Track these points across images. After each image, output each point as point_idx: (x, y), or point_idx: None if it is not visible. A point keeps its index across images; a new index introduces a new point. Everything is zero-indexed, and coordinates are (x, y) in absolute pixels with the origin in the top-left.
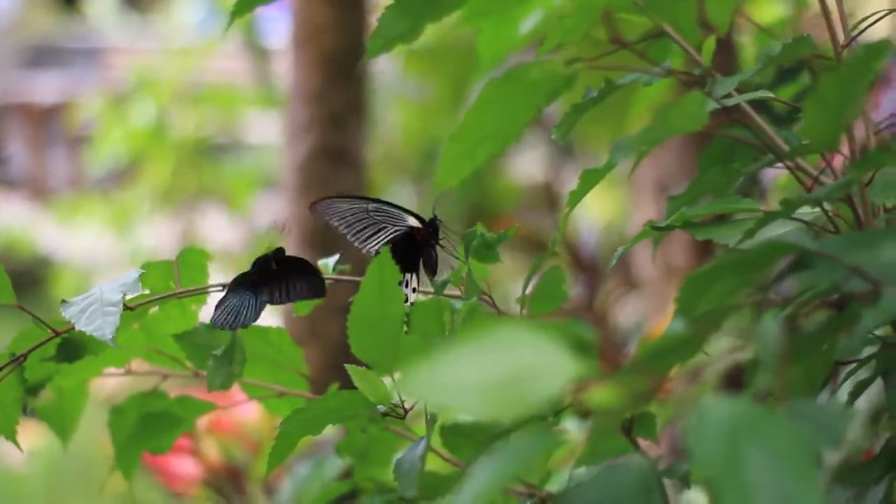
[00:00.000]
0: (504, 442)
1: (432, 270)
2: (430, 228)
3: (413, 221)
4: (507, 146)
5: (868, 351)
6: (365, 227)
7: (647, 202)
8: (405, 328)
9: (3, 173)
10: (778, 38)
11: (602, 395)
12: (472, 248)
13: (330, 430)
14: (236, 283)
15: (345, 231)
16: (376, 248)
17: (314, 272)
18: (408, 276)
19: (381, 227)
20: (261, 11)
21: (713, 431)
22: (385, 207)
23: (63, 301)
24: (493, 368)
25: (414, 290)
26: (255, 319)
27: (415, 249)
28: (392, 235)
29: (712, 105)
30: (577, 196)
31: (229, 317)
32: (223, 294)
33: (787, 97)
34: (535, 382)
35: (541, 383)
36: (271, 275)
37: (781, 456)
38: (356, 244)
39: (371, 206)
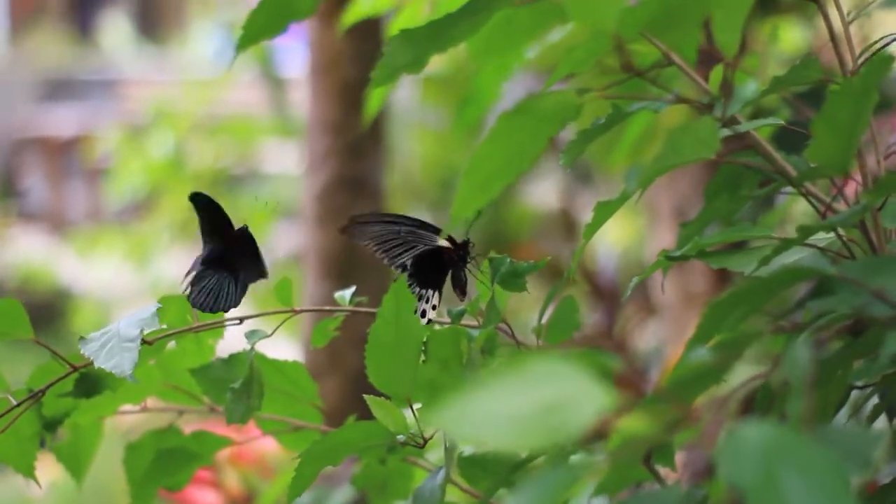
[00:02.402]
0: (528, 475)
1: (462, 291)
2: (461, 250)
3: (443, 242)
4: (519, 177)
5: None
6: (395, 246)
7: (664, 228)
8: (422, 357)
9: (21, 206)
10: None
11: (632, 425)
12: (500, 275)
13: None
14: (210, 261)
15: (376, 249)
16: (404, 261)
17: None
18: (429, 292)
19: (411, 245)
20: (276, 42)
21: (746, 457)
22: (417, 230)
23: (81, 338)
24: (525, 400)
25: (434, 307)
26: (237, 303)
27: (440, 267)
28: (420, 252)
29: (723, 131)
30: (592, 228)
31: (209, 298)
32: (197, 270)
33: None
34: (570, 413)
35: (575, 414)
36: (238, 252)
37: (818, 481)
38: (386, 262)
39: (404, 229)
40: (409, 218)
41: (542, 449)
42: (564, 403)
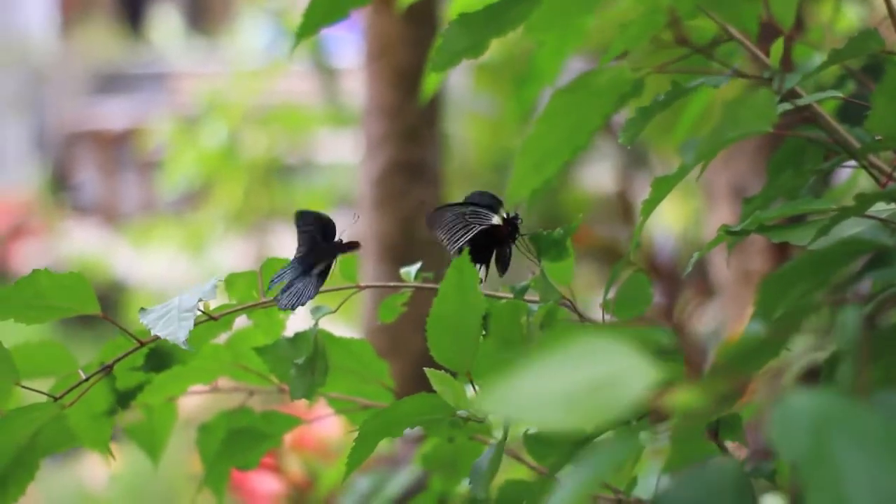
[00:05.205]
0: (589, 449)
1: (503, 268)
2: (510, 226)
3: (498, 220)
4: (575, 155)
5: None
6: (459, 230)
7: (722, 207)
8: (483, 332)
9: (75, 200)
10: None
11: (686, 397)
12: (542, 248)
13: (385, 446)
14: (297, 265)
15: (444, 237)
16: (460, 245)
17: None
18: (476, 266)
19: (470, 227)
20: (328, 31)
21: (797, 425)
22: (479, 210)
23: (141, 309)
24: (574, 378)
25: (480, 281)
26: (313, 296)
27: (490, 244)
28: (475, 232)
29: (784, 105)
30: (650, 205)
31: (292, 298)
32: (288, 279)
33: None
34: (619, 388)
35: (624, 389)
36: (322, 250)
37: (871, 447)
38: (449, 247)
39: (468, 209)
40: (475, 202)
41: (594, 425)
42: (612, 380)
